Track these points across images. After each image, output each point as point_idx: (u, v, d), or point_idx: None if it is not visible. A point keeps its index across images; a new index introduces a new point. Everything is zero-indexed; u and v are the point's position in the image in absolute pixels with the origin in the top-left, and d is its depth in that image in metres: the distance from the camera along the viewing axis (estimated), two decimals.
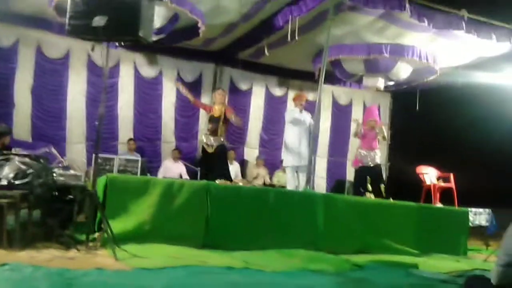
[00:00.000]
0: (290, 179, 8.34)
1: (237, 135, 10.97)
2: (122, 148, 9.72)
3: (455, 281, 4.57)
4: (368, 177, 8.23)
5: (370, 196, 7.94)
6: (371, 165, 8.39)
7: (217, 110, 8.02)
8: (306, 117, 8.32)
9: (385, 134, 8.87)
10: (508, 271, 3.01)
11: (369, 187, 8.13)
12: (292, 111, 8.51)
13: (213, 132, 7.96)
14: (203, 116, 10.64)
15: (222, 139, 7.99)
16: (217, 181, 7.38)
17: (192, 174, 9.59)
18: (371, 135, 8.46)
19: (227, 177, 7.86)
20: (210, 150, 7.90)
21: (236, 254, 5.34)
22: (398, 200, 7.61)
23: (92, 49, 8.93)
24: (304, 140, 8.25)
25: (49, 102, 9.38)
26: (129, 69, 10.07)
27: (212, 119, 8.04)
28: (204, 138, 8.10)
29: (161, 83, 10.36)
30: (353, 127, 8.96)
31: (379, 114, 9.96)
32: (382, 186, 8.28)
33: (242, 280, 4.01)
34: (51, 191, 5.14)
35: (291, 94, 11.34)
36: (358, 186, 8.36)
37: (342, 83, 11.58)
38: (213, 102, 8.32)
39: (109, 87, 9.37)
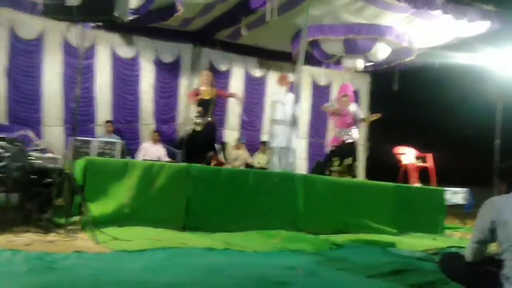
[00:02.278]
0: (275, 160, 8.36)
1: (217, 117, 10.92)
2: (100, 131, 9.59)
3: (431, 258, 4.67)
4: (333, 158, 8.22)
5: (334, 175, 7.97)
6: (350, 141, 8.30)
7: (206, 93, 7.98)
8: (291, 98, 8.33)
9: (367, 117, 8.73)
10: (481, 247, 3.08)
11: (335, 166, 8.09)
12: (279, 92, 8.57)
13: (203, 114, 7.97)
14: (183, 97, 10.55)
15: (209, 118, 8.08)
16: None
17: (172, 157, 9.55)
18: (346, 112, 8.39)
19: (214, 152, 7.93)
20: (198, 128, 7.93)
21: (217, 236, 5.38)
22: (377, 180, 7.72)
23: (67, 30, 8.79)
24: (289, 121, 8.30)
25: (25, 84, 9.16)
26: (105, 50, 9.89)
27: (203, 102, 7.98)
28: (195, 121, 8.09)
29: (138, 64, 10.19)
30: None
31: (358, 95, 9.99)
32: (353, 163, 8.20)
33: (222, 261, 4.04)
34: (28, 174, 5.08)
35: (271, 75, 11.32)
36: (325, 166, 8.31)
37: (322, 64, 11.57)
38: (200, 84, 8.23)
39: (85, 69, 9.22)
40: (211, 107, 8.03)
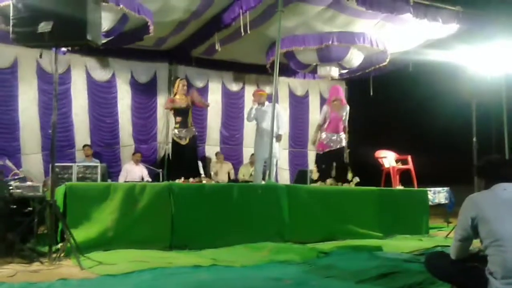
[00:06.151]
0: (260, 173, 8.33)
1: (197, 133, 10.90)
2: (80, 155, 9.52)
3: (418, 259, 4.71)
4: (334, 163, 8.05)
5: (333, 182, 7.95)
6: (337, 147, 8.09)
7: (182, 101, 7.86)
8: (270, 109, 8.19)
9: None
10: (465, 244, 3.11)
11: (333, 173, 8.07)
12: (252, 108, 8.54)
13: (183, 124, 7.84)
14: (161, 117, 10.54)
15: (193, 130, 7.97)
16: (177, 180, 7.34)
17: (154, 177, 9.51)
18: (337, 117, 8.18)
19: (196, 174, 7.82)
20: (183, 142, 7.79)
21: (204, 253, 5.35)
22: (359, 185, 7.76)
23: (40, 56, 8.71)
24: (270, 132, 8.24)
25: (1, 113, 9.08)
26: (81, 74, 9.85)
27: (180, 111, 7.86)
28: (176, 131, 7.94)
29: (115, 86, 10.18)
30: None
31: None
32: (349, 170, 8.10)
33: (210, 278, 4.02)
34: (8, 204, 5.02)
35: (248, 89, 11.38)
36: (324, 172, 8.07)
37: (297, 74, 11.68)
38: (174, 93, 8.13)
39: (61, 94, 9.18)
40: (190, 116, 7.91)
